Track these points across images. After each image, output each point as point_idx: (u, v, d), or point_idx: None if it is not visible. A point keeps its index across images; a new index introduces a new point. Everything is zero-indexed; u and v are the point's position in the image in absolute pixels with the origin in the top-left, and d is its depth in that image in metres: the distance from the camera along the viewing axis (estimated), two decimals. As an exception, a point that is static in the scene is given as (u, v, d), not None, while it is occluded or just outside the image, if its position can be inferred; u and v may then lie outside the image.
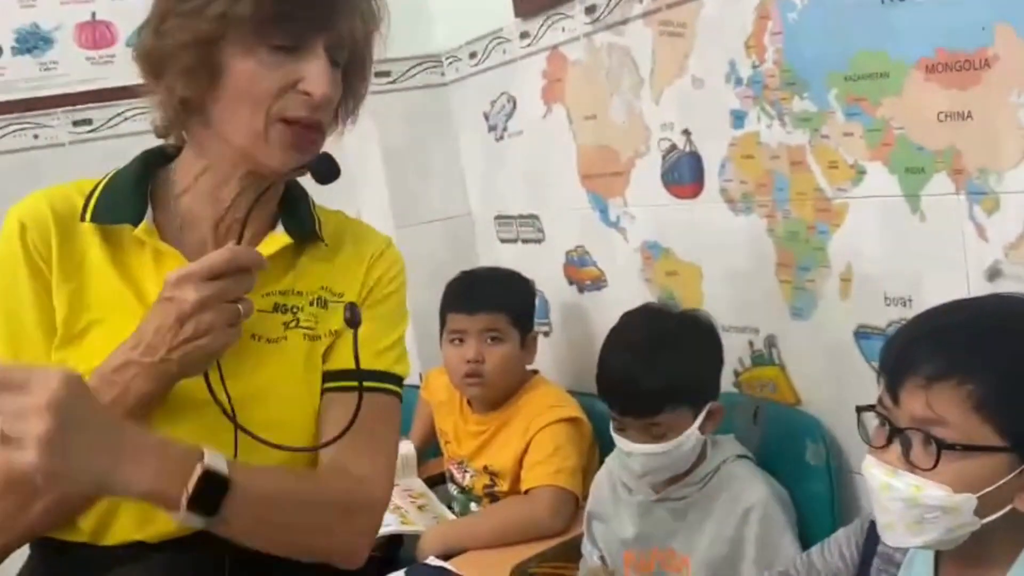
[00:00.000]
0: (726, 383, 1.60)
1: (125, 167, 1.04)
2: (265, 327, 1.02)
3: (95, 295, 0.99)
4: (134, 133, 2.32)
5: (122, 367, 0.90)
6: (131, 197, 1.00)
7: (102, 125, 2.31)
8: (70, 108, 2.29)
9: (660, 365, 1.38)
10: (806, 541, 1.35)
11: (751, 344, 1.59)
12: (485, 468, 1.85)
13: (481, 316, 1.80)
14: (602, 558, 1.57)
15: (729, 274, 1.60)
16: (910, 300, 1.28)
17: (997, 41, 1.09)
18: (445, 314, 1.86)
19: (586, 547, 1.60)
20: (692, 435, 1.39)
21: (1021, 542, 0.96)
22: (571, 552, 1.65)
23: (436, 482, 2.03)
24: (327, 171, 0.96)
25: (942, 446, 0.91)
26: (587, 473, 1.75)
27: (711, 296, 1.64)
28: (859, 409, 1.02)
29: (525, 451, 1.76)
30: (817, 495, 1.43)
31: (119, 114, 2.31)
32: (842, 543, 1.17)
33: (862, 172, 1.31)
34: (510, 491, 1.80)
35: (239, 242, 0.95)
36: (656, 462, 1.39)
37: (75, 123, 2.30)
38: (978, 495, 0.91)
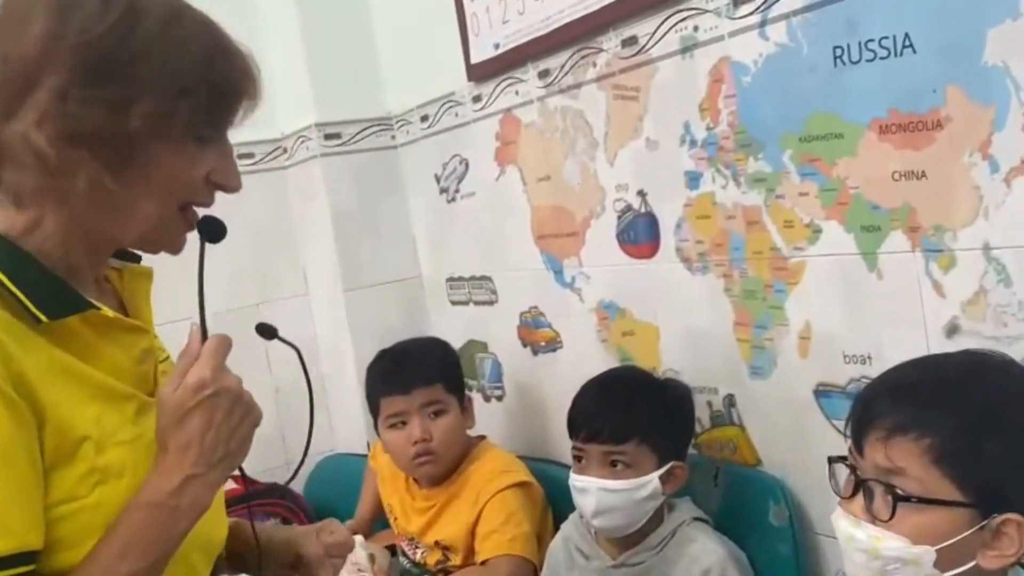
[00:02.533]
0: (685, 444, 1.59)
1: None
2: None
3: (77, 403, 0.87)
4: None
5: (183, 485, 0.86)
6: (52, 278, 0.88)
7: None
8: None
9: (633, 402, 1.42)
10: (772, 604, 1.33)
11: (710, 404, 1.58)
12: (436, 543, 1.79)
13: (418, 392, 1.75)
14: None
15: (686, 334, 1.60)
16: (869, 357, 1.29)
17: (948, 102, 1.12)
18: (377, 400, 1.79)
19: (542, 617, 1.56)
20: (651, 483, 1.39)
21: None
22: (529, 622, 1.60)
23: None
24: (217, 231, 0.97)
25: (897, 498, 0.93)
26: (541, 538, 1.72)
27: (669, 356, 1.64)
28: (831, 460, 1.04)
29: (476, 521, 1.72)
30: (781, 556, 1.41)
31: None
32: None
33: (818, 231, 1.33)
34: (463, 564, 1.75)
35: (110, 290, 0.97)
36: (611, 500, 1.38)
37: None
38: (937, 548, 0.92)
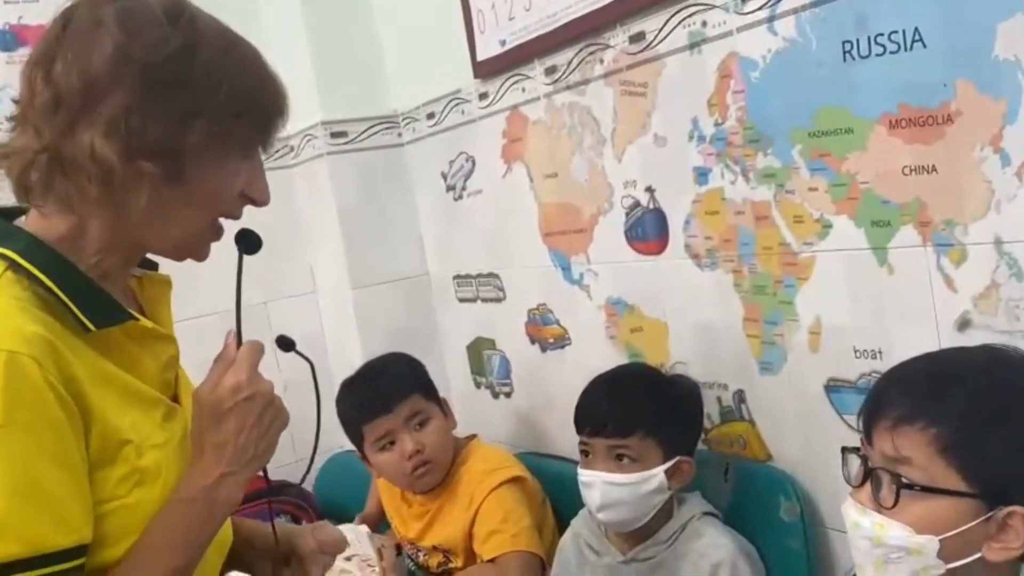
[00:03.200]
0: (695, 440, 1.59)
1: (30, 253, 0.90)
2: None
3: (117, 408, 0.90)
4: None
5: (218, 482, 0.92)
6: (99, 290, 0.92)
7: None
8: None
9: (639, 396, 1.43)
10: (784, 600, 1.33)
11: (720, 400, 1.58)
12: (435, 547, 1.79)
13: (400, 408, 1.74)
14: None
15: (696, 330, 1.60)
16: (880, 352, 1.29)
17: (959, 96, 1.12)
18: (359, 428, 1.77)
19: (551, 613, 1.56)
20: (657, 477, 1.39)
21: None
22: (541, 619, 1.60)
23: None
24: (253, 243, 1.03)
25: (901, 485, 0.94)
26: (542, 532, 1.72)
27: (678, 352, 1.64)
28: (844, 450, 1.04)
29: (473, 522, 1.71)
30: (792, 552, 1.41)
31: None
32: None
33: (828, 226, 1.32)
34: (465, 565, 1.75)
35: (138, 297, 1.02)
36: (616, 493, 1.38)
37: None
38: (940, 538, 0.92)
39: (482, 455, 1.80)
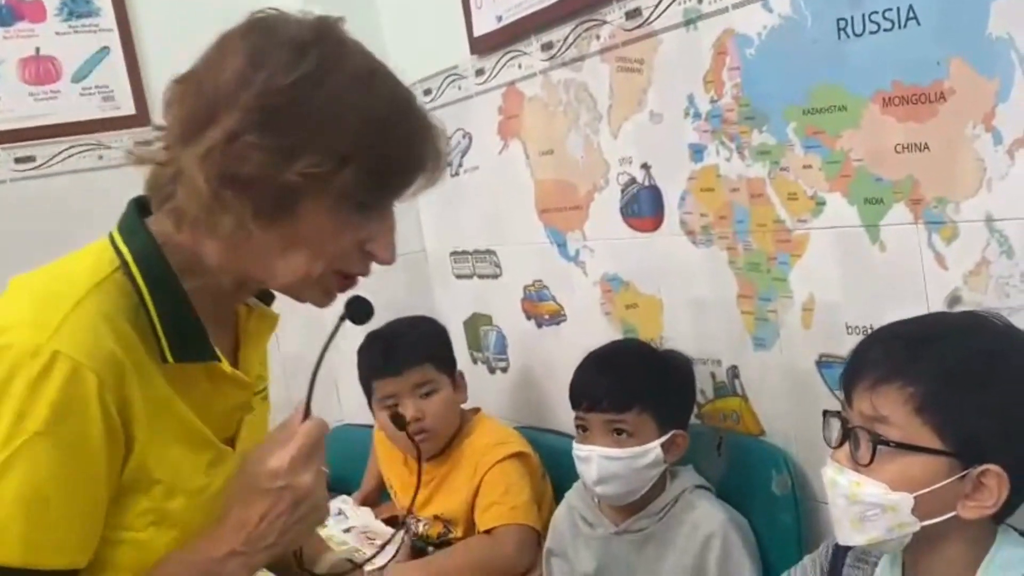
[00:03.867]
0: (689, 415, 1.61)
1: (144, 261, 0.88)
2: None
3: (164, 443, 0.88)
4: (76, 171, 2.28)
5: (227, 558, 0.88)
6: (194, 321, 0.89)
7: (45, 163, 2.25)
8: (12, 144, 2.23)
9: (634, 371, 1.44)
10: (773, 572, 1.36)
11: (713, 375, 1.59)
12: (436, 517, 1.82)
13: (408, 374, 1.76)
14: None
15: (690, 306, 1.61)
16: (871, 328, 1.29)
17: (952, 74, 1.12)
18: (370, 382, 1.81)
19: (545, 585, 1.59)
20: (653, 451, 1.41)
21: (978, 554, 0.98)
22: (536, 590, 1.63)
23: (393, 525, 1.99)
24: (362, 313, 0.98)
25: (877, 442, 0.95)
26: (540, 505, 1.74)
27: (672, 328, 1.65)
28: (826, 413, 1.06)
29: (475, 494, 1.74)
30: (783, 525, 1.43)
31: (62, 151, 2.27)
32: (807, 568, 1.18)
33: (821, 203, 1.33)
34: (465, 536, 1.77)
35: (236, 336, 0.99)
36: (613, 467, 1.40)
37: (17, 160, 2.24)
38: (915, 495, 0.94)
39: (487, 428, 1.83)
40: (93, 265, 0.87)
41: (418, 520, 1.86)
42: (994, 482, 0.94)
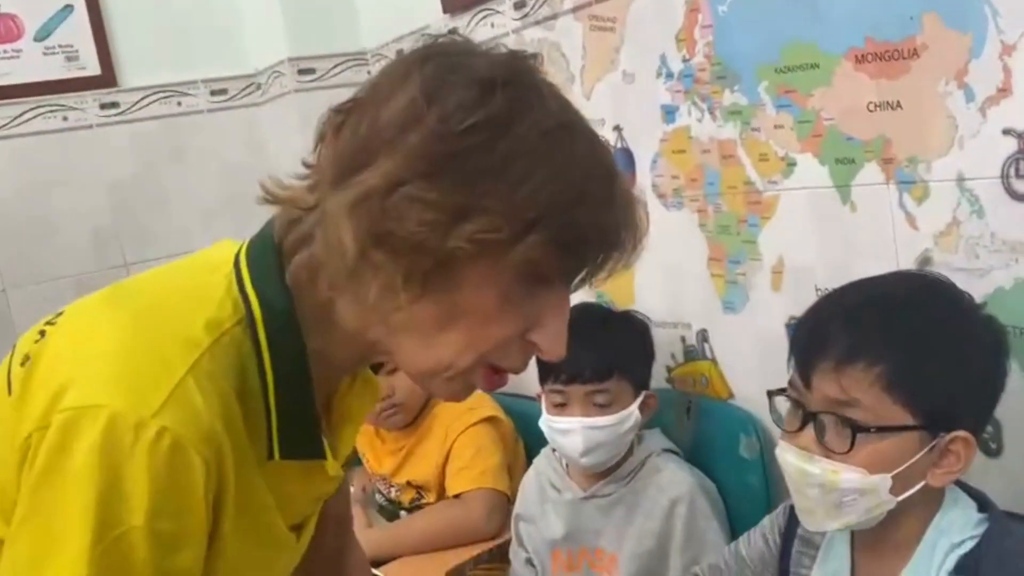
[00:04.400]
0: (659, 379, 1.60)
1: (274, 325, 0.72)
2: None
3: (235, 540, 0.73)
4: (40, 132, 2.23)
5: None
6: (313, 415, 0.75)
7: (6, 124, 2.20)
8: (-29, 104, 2.18)
9: (611, 336, 1.41)
10: (742, 533, 1.34)
11: (683, 339, 1.58)
12: (408, 483, 1.80)
13: None
14: (529, 560, 1.54)
15: (661, 270, 1.60)
16: (841, 290, 1.29)
17: (925, 30, 1.10)
18: None
19: (513, 549, 1.58)
20: (632, 414, 1.40)
21: (928, 518, 0.97)
22: (506, 555, 1.62)
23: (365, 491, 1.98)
24: None
25: (857, 429, 0.92)
26: (513, 471, 1.73)
27: (643, 292, 1.64)
28: (770, 393, 1.04)
29: (446, 459, 1.73)
30: (751, 488, 1.43)
31: (24, 112, 2.21)
32: (765, 529, 1.18)
33: (792, 164, 1.31)
34: (437, 500, 1.76)
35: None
36: (598, 437, 1.38)
37: (-23, 120, 2.19)
38: (893, 474, 0.92)
39: None
40: (214, 317, 0.71)
41: (391, 486, 1.85)
42: (961, 447, 0.93)
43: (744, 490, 1.43)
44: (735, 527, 1.42)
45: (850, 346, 0.92)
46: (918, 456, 0.92)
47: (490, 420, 1.75)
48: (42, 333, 0.73)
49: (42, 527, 0.65)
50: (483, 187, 0.66)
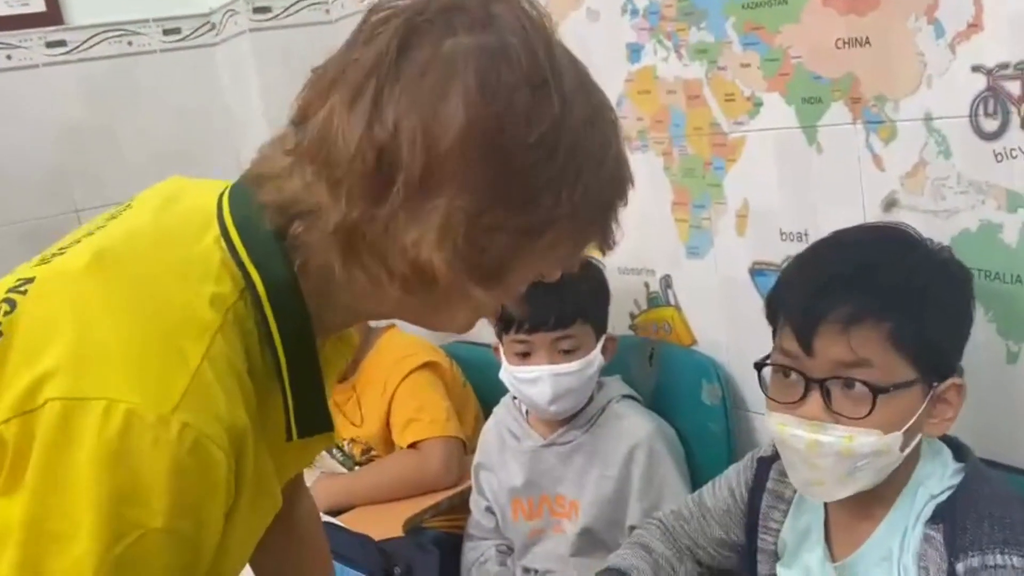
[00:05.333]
0: (622, 327, 1.58)
1: (282, 309, 0.68)
2: None
3: (249, 515, 0.70)
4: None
5: None
6: (321, 397, 0.73)
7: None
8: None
9: (572, 281, 1.35)
10: (702, 480, 1.33)
11: (647, 286, 1.56)
12: (354, 440, 1.77)
13: None
14: (488, 508, 1.53)
15: (624, 215, 1.55)
16: (806, 234, 1.27)
17: (896, -37, 1.07)
18: None
19: (473, 498, 1.56)
20: (596, 358, 1.39)
21: (910, 469, 0.96)
22: (465, 504, 1.60)
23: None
24: None
25: (877, 391, 0.88)
26: (464, 415, 1.70)
27: (606, 238, 1.60)
28: (758, 365, 0.99)
29: (388, 412, 1.68)
30: (713, 434, 1.42)
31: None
32: (732, 480, 1.16)
33: (759, 104, 1.28)
34: (387, 454, 1.73)
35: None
36: (566, 383, 1.37)
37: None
38: (903, 431, 0.90)
39: (393, 343, 1.75)
40: (217, 292, 0.66)
41: (340, 442, 1.81)
42: (954, 394, 0.92)
43: (706, 436, 1.42)
44: (696, 474, 1.41)
45: (856, 307, 0.89)
46: (921, 408, 0.91)
47: (428, 366, 1.70)
48: (10, 304, 0.65)
49: (40, 529, 0.59)
50: (550, 199, 0.64)
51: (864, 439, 0.89)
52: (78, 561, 0.58)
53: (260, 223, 0.68)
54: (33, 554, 0.59)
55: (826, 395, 0.91)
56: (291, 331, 0.68)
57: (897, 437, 0.90)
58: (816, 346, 0.91)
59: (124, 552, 0.59)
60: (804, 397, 0.92)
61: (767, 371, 0.99)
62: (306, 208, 0.67)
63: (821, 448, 0.91)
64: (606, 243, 0.74)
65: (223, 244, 0.68)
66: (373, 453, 1.76)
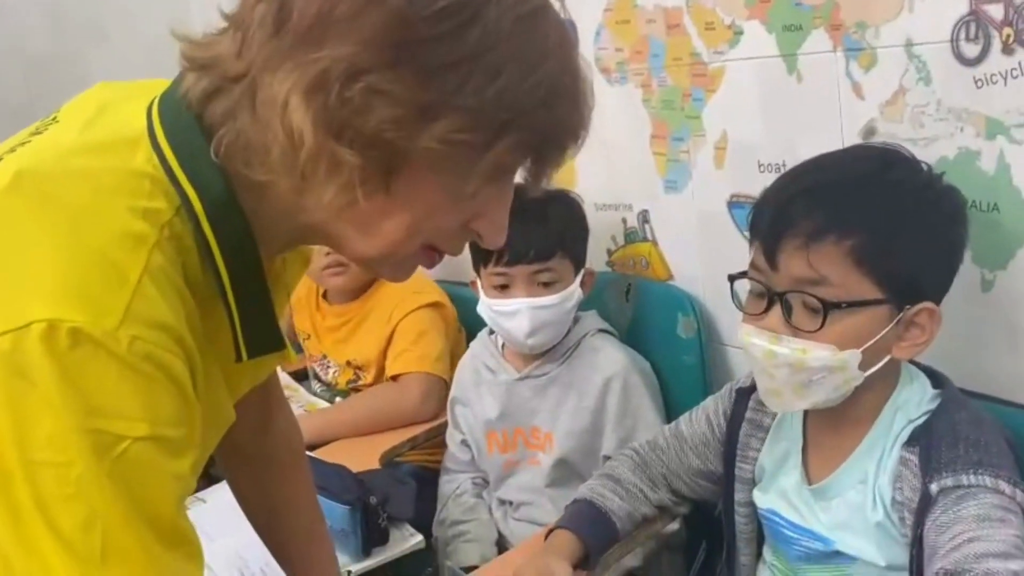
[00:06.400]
0: (599, 263, 1.57)
1: (221, 223, 0.65)
2: None
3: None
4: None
5: None
6: (270, 313, 0.71)
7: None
8: None
9: (548, 217, 1.38)
10: (678, 412, 1.34)
11: (624, 221, 1.55)
12: (348, 363, 1.77)
13: None
14: (464, 442, 1.53)
15: (603, 150, 1.55)
16: (784, 165, 1.25)
17: None
18: None
19: (449, 432, 1.57)
20: (575, 292, 1.39)
21: (887, 394, 0.97)
22: (442, 439, 1.60)
23: (299, 378, 1.94)
24: None
25: (828, 306, 0.90)
26: (454, 358, 1.70)
27: (584, 174, 1.59)
28: (731, 278, 1.00)
29: (389, 340, 1.70)
30: (688, 367, 1.42)
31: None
32: (709, 411, 1.16)
33: (739, 32, 1.27)
34: (374, 383, 1.74)
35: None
36: (544, 316, 1.37)
37: None
38: (862, 350, 0.91)
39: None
40: (150, 207, 0.63)
41: (328, 367, 1.81)
42: (926, 319, 0.93)
43: (681, 369, 1.43)
44: (671, 406, 1.42)
45: (818, 222, 0.90)
46: (886, 330, 0.91)
47: (435, 306, 1.72)
48: None
49: (34, 462, 0.57)
50: (453, 82, 0.60)
51: (818, 353, 0.91)
52: (80, 480, 0.57)
53: (193, 135, 0.65)
54: (39, 486, 0.57)
55: (787, 309, 0.93)
56: (232, 248, 0.66)
57: (855, 354, 0.91)
58: (779, 261, 0.93)
59: (116, 464, 0.58)
60: (767, 310, 0.94)
61: (743, 286, 1.00)
62: (220, 80, 0.64)
63: (776, 358, 0.93)
64: (532, 174, 0.69)
65: (156, 160, 0.65)
66: (359, 383, 1.76)
